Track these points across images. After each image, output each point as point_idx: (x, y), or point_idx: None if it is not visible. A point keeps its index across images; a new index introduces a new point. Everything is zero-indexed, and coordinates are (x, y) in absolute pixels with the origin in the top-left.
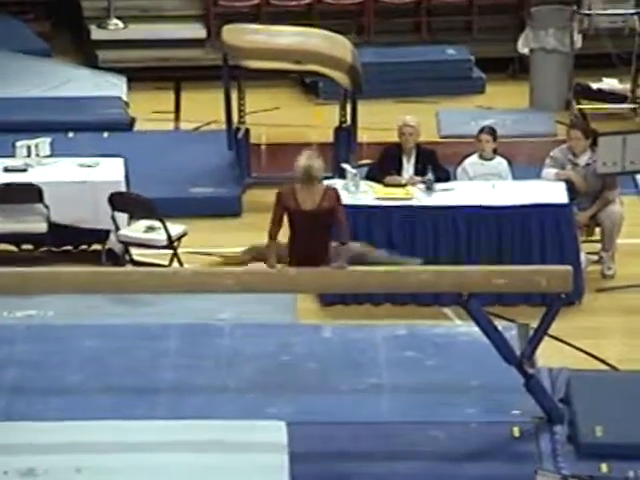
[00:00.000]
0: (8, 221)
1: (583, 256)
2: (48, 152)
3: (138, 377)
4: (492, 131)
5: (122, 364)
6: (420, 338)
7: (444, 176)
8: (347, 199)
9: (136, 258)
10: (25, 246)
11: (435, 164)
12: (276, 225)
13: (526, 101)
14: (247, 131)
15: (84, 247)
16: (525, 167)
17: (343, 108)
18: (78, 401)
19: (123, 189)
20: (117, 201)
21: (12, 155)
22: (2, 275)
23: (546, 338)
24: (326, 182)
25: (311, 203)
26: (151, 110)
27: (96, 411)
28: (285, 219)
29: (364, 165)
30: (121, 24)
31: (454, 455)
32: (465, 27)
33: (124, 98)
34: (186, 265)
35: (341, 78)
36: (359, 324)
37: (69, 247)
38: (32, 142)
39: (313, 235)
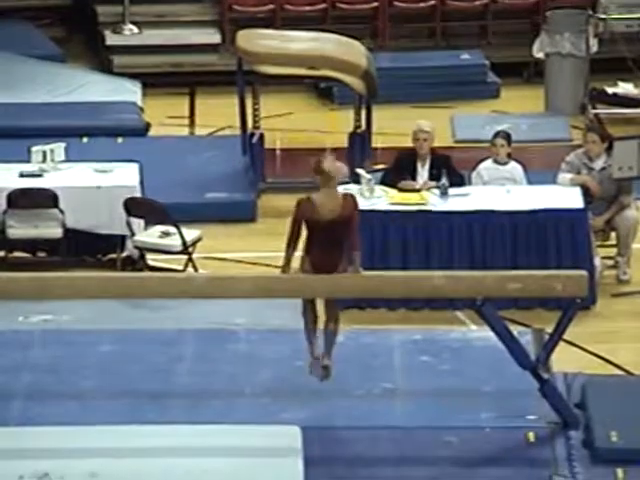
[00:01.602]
0: (23, 226)
1: (598, 261)
2: (63, 157)
3: (154, 382)
4: (507, 136)
5: (138, 369)
6: (435, 343)
7: (458, 181)
8: (362, 204)
9: (151, 263)
10: (40, 254)
11: (450, 169)
12: (295, 236)
13: (541, 106)
14: (261, 136)
15: (99, 256)
16: (540, 172)
17: (357, 113)
18: (94, 406)
19: (138, 194)
20: (132, 206)
21: (27, 160)
22: (18, 280)
23: (561, 343)
24: (341, 188)
25: (330, 211)
26: (166, 115)
27: (112, 416)
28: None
29: (379, 170)
30: (136, 29)
31: (469, 460)
32: (480, 32)
33: (139, 103)
34: (201, 270)
35: (356, 83)
36: (374, 328)
37: (84, 255)
38: (47, 147)
39: (331, 242)
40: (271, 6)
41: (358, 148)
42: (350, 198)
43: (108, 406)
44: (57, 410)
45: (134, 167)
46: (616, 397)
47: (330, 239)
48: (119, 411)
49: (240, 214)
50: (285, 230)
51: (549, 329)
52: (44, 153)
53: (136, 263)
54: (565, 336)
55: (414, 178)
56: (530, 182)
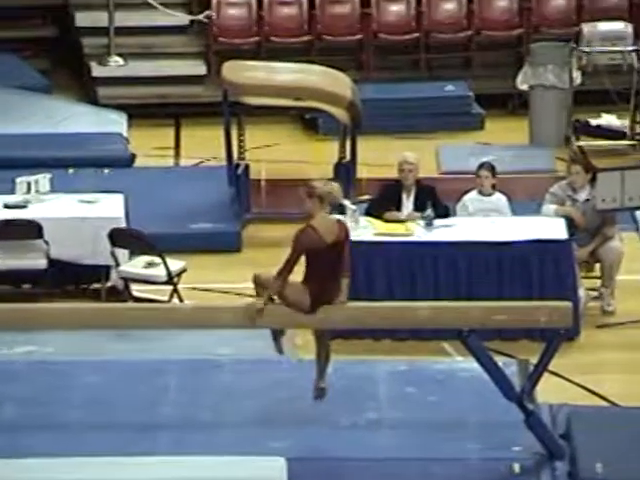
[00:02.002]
0: (8, 257)
1: (583, 292)
2: (48, 188)
3: (138, 413)
4: (491, 167)
5: (122, 400)
6: (420, 374)
7: (443, 212)
8: None
9: (136, 294)
10: (24, 285)
11: (435, 200)
12: (293, 267)
13: (525, 137)
14: (247, 167)
15: (84, 286)
16: (524, 203)
17: (343, 144)
18: (78, 437)
19: (123, 225)
20: (117, 237)
21: (12, 191)
22: (2, 311)
23: (546, 374)
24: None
25: (331, 235)
26: (151, 146)
27: (96, 447)
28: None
29: (364, 201)
30: (121, 61)
31: None
32: (464, 63)
33: (124, 134)
34: (186, 301)
35: (341, 114)
36: (359, 359)
37: (69, 286)
38: (32, 178)
39: (332, 269)
40: (256, 38)
41: (343, 179)
42: (342, 222)
43: (93, 437)
44: (41, 442)
45: (119, 198)
46: (601, 428)
47: (331, 266)
48: (104, 442)
49: (225, 245)
50: (271, 261)
51: (534, 360)
52: (29, 184)
53: (121, 294)
54: (550, 367)
55: (399, 209)
56: (515, 213)
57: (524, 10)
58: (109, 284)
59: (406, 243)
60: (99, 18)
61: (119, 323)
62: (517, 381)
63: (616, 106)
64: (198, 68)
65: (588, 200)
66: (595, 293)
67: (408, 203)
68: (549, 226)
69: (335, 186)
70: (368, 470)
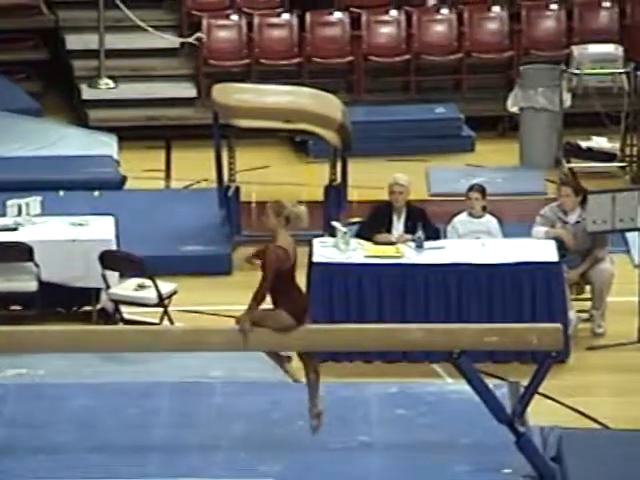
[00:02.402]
0: None
1: (573, 314)
2: (39, 211)
3: (129, 436)
4: (481, 189)
5: (113, 423)
6: (411, 396)
7: (434, 234)
8: (337, 257)
9: (127, 316)
10: (14, 307)
11: (425, 222)
12: (266, 291)
13: (516, 159)
14: (237, 189)
15: (75, 309)
16: (515, 225)
17: (333, 166)
18: (69, 461)
19: (114, 247)
20: (108, 259)
21: (2, 214)
22: None
23: (537, 396)
24: (317, 240)
25: (294, 252)
26: (142, 169)
27: (87, 471)
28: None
29: (354, 223)
30: (112, 83)
31: None
32: (454, 86)
33: (115, 157)
34: (177, 323)
35: (331, 137)
36: (350, 381)
37: (59, 308)
38: (23, 201)
39: (296, 285)
40: (247, 60)
41: (334, 201)
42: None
43: (83, 461)
44: (32, 465)
45: (110, 220)
46: (592, 451)
47: (295, 283)
48: (94, 466)
49: (216, 267)
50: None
51: (525, 382)
52: (19, 207)
53: (111, 316)
54: (541, 389)
55: (390, 231)
56: (505, 235)
57: (514, 33)
58: (99, 306)
59: (396, 265)
60: (90, 41)
61: (110, 345)
62: (508, 403)
63: (606, 128)
64: (188, 90)
65: (578, 222)
66: (585, 315)
67: (399, 225)
68: (539, 248)
69: (303, 210)
70: None
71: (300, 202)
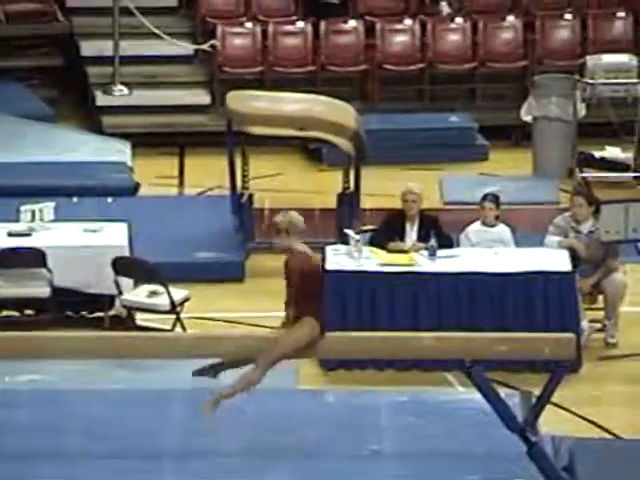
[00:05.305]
0: (11, 285)
1: (586, 324)
2: (52, 217)
3: (142, 442)
4: (495, 198)
5: (126, 429)
6: (423, 404)
7: (447, 243)
8: (350, 265)
9: (139, 323)
10: (27, 311)
11: (438, 231)
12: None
13: (529, 169)
14: (250, 196)
15: (87, 314)
16: (528, 234)
17: (346, 174)
18: (81, 467)
19: (127, 254)
20: (120, 266)
21: (16, 220)
22: (5, 339)
23: (549, 406)
24: (330, 249)
25: (315, 258)
26: (155, 175)
27: (100, 477)
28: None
29: (367, 231)
30: (126, 90)
31: None
32: (468, 95)
33: (128, 163)
34: (189, 330)
35: (345, 145)
36: (361, 389)
37: (72, 314)
38: (36, 207)
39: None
40: (261, 68)
41: (347, 209)
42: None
43: (95, 467)
44: (44, 471)
45: (123, 227)
46: (604, 461)
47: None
48: (106, 472)
49: (229, 274)
50: (274, 289)
51: (537, 392)
52: (33, 212)
53: (124, 322)
54: (553, 399)
55: (403, 239)
56: (518, 244)
57: (528, 42)
58: (112, 312)
59: (409, 273)
60: (104, 47)
61: (122, 352)
62: (520, 413)
63: (620, 138)
64: (202, 97)
65: (591, 232)
66: (598, 325)
67: (412, 233)
68: (552, 257)
69: (292, 214)
70: None
71: (312, 210)
